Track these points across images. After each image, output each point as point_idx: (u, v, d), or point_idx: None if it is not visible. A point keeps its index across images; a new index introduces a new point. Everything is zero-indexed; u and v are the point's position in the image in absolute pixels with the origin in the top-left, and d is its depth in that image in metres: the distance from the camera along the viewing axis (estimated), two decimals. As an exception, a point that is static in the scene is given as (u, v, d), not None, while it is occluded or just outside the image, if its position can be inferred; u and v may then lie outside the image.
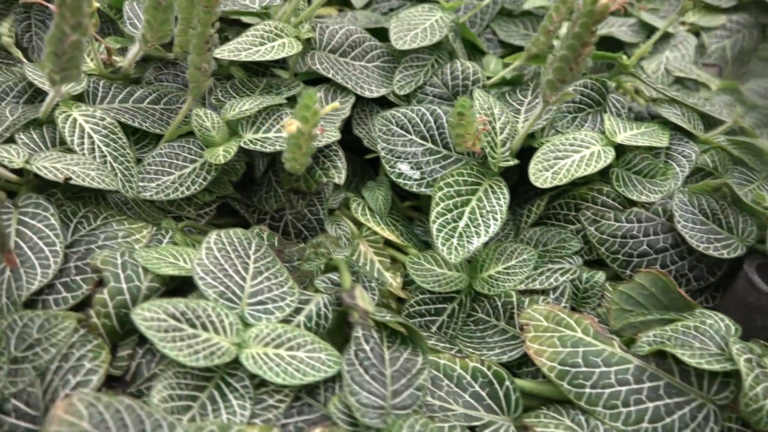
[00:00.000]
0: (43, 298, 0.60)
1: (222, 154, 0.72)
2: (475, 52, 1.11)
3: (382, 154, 0.85)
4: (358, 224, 0.85)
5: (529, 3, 1.14)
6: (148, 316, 0.52)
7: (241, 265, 0.61)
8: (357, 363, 0.55)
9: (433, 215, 0.72)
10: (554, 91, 0.64)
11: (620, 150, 0.77)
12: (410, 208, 0.92)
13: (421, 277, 0.75)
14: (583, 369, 0.59)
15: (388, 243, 0.85)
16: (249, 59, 0.79)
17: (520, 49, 1.18)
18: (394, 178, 0.83)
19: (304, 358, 0.55)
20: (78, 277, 0.60)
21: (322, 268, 0.70)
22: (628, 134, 0.77)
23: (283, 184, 0.84)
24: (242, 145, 0.74)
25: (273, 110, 0.78)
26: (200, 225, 0.75)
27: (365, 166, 0.93)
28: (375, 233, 0.84)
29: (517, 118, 0.83)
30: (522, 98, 0.88)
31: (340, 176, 0.83)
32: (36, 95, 0.78)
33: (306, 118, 0.58)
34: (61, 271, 0.61)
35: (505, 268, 0.75)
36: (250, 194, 0.85)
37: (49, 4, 0.82)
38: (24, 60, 0.89)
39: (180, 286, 0.64)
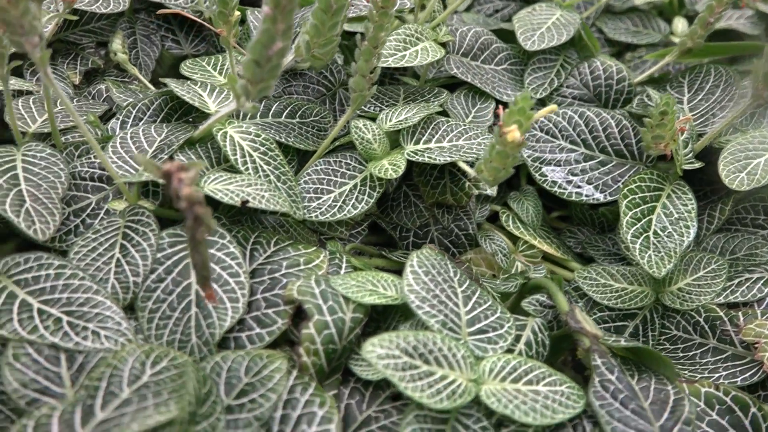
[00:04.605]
0: (234, 335, 0.53)
1: (389, 167, 0.66)
2: (586, 52, 1.05)
3: (529, 161, 0.79)
4: (512, 238, 0.79)
5: (640, -2, 1.08)
6: (382, 353, 0.46)
7: (450, 290, 0.54)
8: (609, 396, 0.49)
9: (624, 226, 0.66)
10: (772, 84, 0.58)
11: (811, 146, 0.71)
12: (557, 219, 0.86)
13: (600, 293, 0.69)
14: None
15: (545, 257, 0.79)
16: (397, 65, 0.74)
17: (629, 46, 1.12)
18: (547, 187, 0.78)
19: (546, 392, 0.49)
20: (270, 311, 0.54)
21: (517, 288, 0.63)
22: (822, 129, 0.71)
23: (425, 198, 0.78)
24: (407, 157, 0.68)
25: (429, 120, 0.72)
26: (364, 247, 0.69)
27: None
28: (532, 247, 0.77)
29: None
30: (679, 95, 0.82)
31: (493, 187, 0.77)
32: (171, 114, 0.72)
33: (521, 123, 0.53)
34: (250, 305, 0.55)
35: (695, 280, 0.69)
36: (386, 210, 0.79)
37: (191, 16, 0.76)
38: (140, 77, 0.83)
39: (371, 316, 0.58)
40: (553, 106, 0.53)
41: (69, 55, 0.84)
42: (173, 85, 0.68)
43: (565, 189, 0.77)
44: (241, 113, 0.71)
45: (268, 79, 0.50)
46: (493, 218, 0.82)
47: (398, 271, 0.70)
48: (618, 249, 0.77)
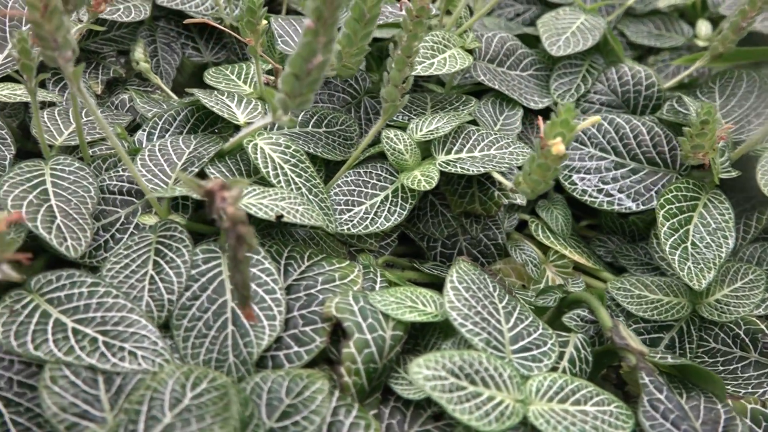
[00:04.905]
0: (272, 354, 0.52)
1: (422, 179, 0.64)
2: (608, 56, 1.04)
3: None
4: (542, 247, 0.77)
5: (663, 1, 1.07)
6: (429, 375, 0.45)
7: (492, 307, 0.53)
8: (660, 416, 0.47)
9: (661, 237, 0.65)
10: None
11: None
12: (585, 227, 0.84)
13: (635, 305, 0.67)
14: None
15: (575, 267, 0.77)
16: (425, 73, 0.72)
17: (651, 50, 1.11)
18: (577, 196, 0.76)
19: (595, 413, 0.48)
20: (307, 328, 0.53)
21: (557, 301, 0.62)
22: None
23: (453, 208, 0.77)
24: (439, 167, 0.66)
25: (460, 129, 0.71)
26: (396, 259, 0.68)
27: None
28: (562, 257, 0.76)
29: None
30: (710, 101, 0.80)
31: (522, 196, 0.75)
32: (197, 125, 0.71)
33: (563, 135, 0.51)
34: (287, 322, 0.54)
35: (732, 291, 0.67)
36: (413, 220, 0.78)
37: (217, 25, 0.75)
38: (163, 86, 0.82)
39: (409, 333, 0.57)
40: (596, 118, 0.52)
41: (90, 64, 0.83)
42: (201, 95, 0.67)
43: (596, 198, 0.76)
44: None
45: (307, 92, 0.49)
46: (521, 226, 0.80)
47: (431, 284, 0.69)
48: (650, 258, 0.76)
